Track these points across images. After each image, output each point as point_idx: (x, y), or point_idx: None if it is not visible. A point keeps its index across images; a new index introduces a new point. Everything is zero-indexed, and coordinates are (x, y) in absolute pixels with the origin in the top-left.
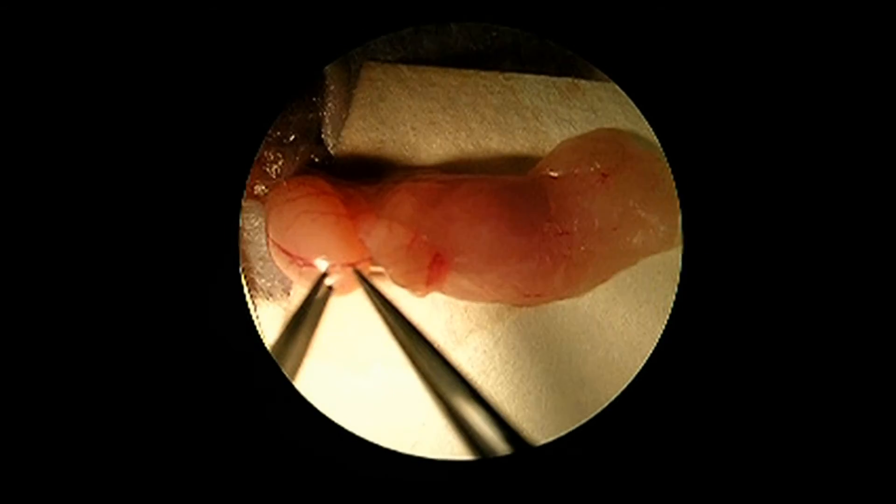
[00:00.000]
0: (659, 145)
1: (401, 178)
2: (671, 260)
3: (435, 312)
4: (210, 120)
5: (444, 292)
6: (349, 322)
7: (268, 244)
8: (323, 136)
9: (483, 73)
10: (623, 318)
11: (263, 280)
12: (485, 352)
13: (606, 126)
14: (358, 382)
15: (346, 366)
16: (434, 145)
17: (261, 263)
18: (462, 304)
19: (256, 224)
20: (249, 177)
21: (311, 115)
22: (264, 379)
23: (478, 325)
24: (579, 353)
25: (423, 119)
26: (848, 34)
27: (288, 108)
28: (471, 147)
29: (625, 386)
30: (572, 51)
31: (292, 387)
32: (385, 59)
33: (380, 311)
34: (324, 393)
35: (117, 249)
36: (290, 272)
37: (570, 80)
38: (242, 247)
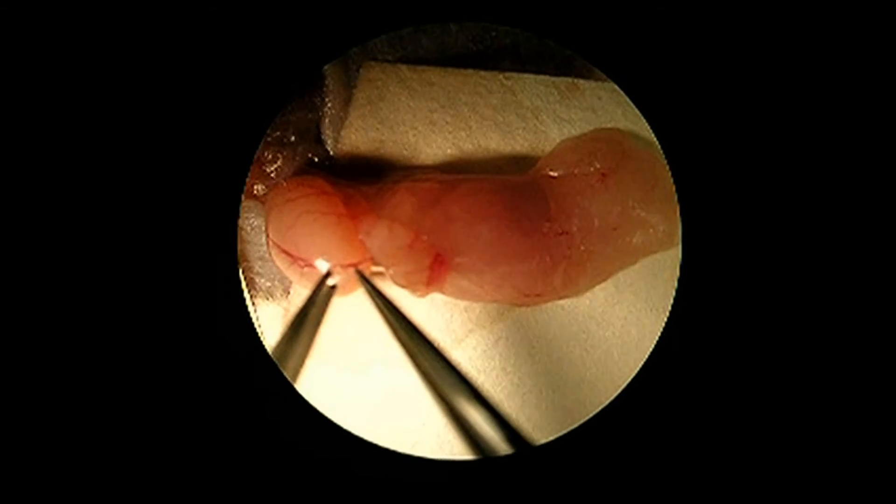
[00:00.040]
0: (658, 145)
1: (400, 178)
2: (671, 259)
3: (434, 312)
4: (209, 119)
5: (444, 292)
6: (349, 322)
7: (268, 244)
8: (322, 135)
9: (482, 73)
10: (622, 318)
11: (263, 280)
12: (484, 351)
13: (606, 126)
14: (358, 382)
15: (346, 366)
16: (434, 145)
17: (260, 263)
18: (462, 303)
19: (256, 224)
20: (249, 177)
21: (310, 115)
22: (264, 379)
23: (477, 324)
24: (579, 352)
25: (423, 119)
26: (848, 34)
27: (287, 107)
28: (470, 147)
29: (624, 385)
30: (572, 51)
31: (292, 387)
32: (384, 59)
33: (381, 311)
34: (324, 393)
35: (117, 249)
36: (290, 273)
37: (569, 79)
38: (242, 247)
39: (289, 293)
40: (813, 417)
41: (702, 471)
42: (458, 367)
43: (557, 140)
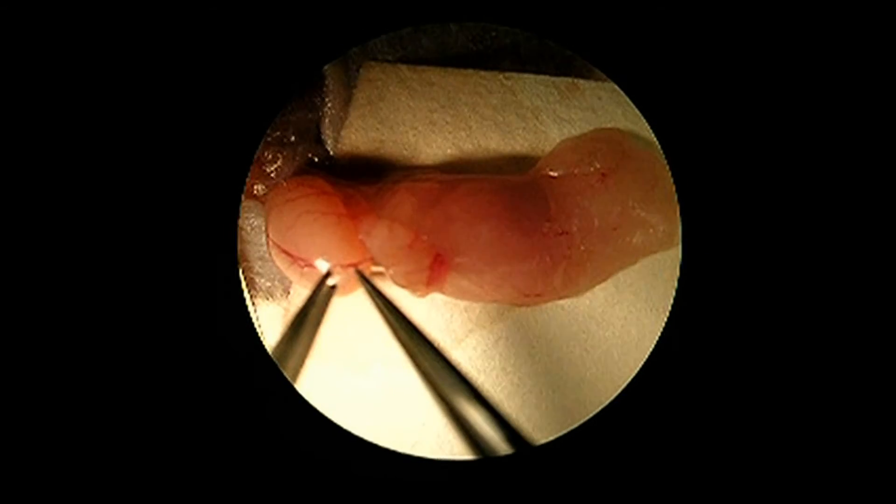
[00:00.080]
0: (658, 145)
1: (400, 179)
2: (670, 259)
3: (434, 312)
4: (209, 119)
5: (444, 293)
6: (349, 322)
7: (268, 244)
8: (322, 135)
9: (482, 73)
10: (622, 318)
11: (263, 280)
12: (484, 351)
13: (606, 126)
14: (358, 383)
15: (346, 366)
16: (433, 145)
17: (260, 263)
18: (461, 303)
19: (256, 224)
20: (248, 176)
21: (310, 115)
22: (264, 379)
23: (477, 324)
24: (579, 352)
25: (423, 119)
26: (847, 34)
27: (287, 107)
28: (470, 147)
29: (624, 385)
30: (571, 51)
31: (292, 387)
32: (384, 59)
33: (381, 311)
34: (324, 393)
35: (117, 249)
36: (290, 273)
37: (569, 79)
38: (242, 246)
39: (289, 293)
40: (813, 417)
41: (701, 470)
42: (459, 367)
43: (557, 140)
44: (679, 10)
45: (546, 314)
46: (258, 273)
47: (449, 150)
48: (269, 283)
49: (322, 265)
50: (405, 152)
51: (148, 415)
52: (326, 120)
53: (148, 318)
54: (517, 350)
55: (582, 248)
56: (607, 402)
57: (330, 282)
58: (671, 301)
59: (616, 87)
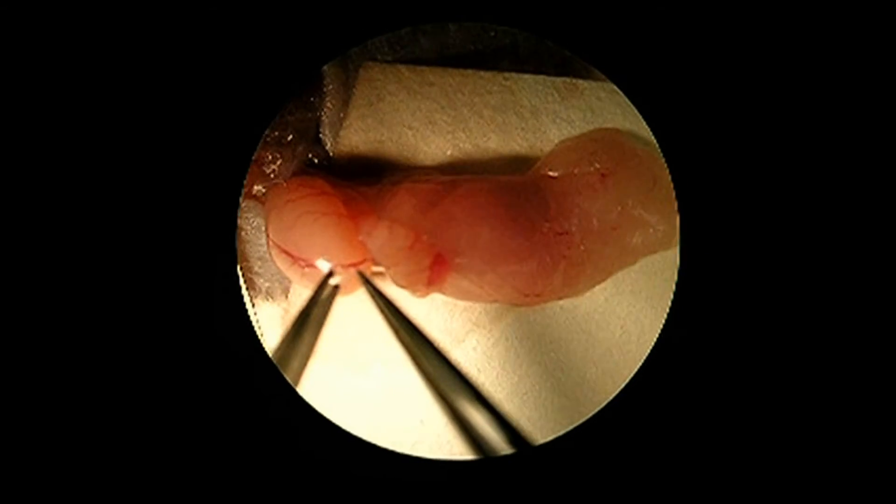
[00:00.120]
0: (657, 145)
1: (400, 179)
2: (669, 259)
3: (434, 312)
4: (208, 119)
5: (444, 293)
6: (348, 323)
7: (268, 245)
8: (321, 136)
9: (481, 73)
10: (621, 318)
11: (262, 280)
12: (483, 351)
13: (605, 126)
14: (358, 383)
15: (346, 366)
16: (433, 145)
17: (259, 263)
18: (461, 303)
19: (255, 224)
20: (247, 177)
21: (309, 116)
22: (263, 380)
23: (476, 324)
24: (578, 352)
25: (422, 119)
26: (846, 33)
27: (286, 107)
28: (469, 147)
29: (623, 385)
30: (570, 51)
31: (292, 387)
32: (383, 59)
33: (383, 311)
34: (324, 393)
35: (116, 250)
36: (291, 273)
37: (568, 79)
38: (241, 247)
39: (288, 293)
40: (812, 415)
41: (701, 470)
42: (460, 368)
43: (556, 140)
44: (677, 11)
45: (545, 314)
46: (258, 273)
47: (448, 151)
48: (268, 284)
49: (323, 265)
50: (404, 153)
51: (147, 416)
52: (325, 120)
53: (147, 319)
54: (517, 350)
55: (581, 248)
56: (607, 402)
57: (332, 281)
58: (670, 300)
59: (615, 87)
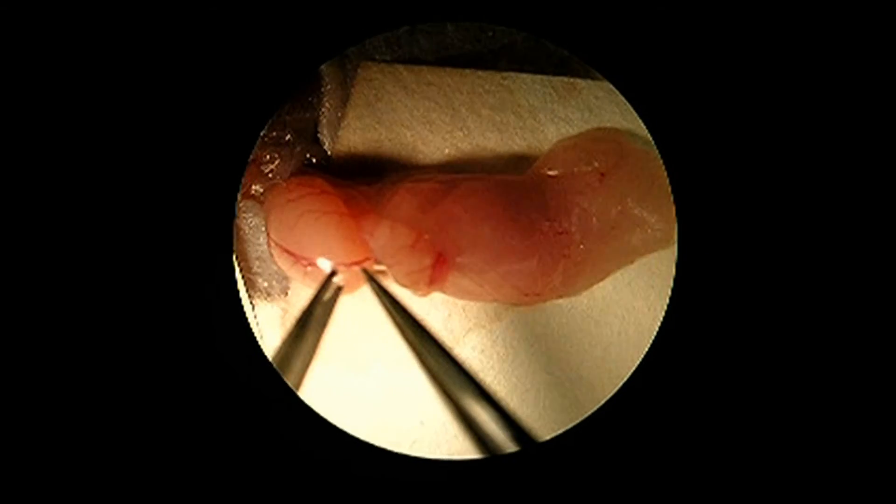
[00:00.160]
0: (654, 144)
1: (399, 179)
2: (667, 258)
3: (433, 311)
4: (206, 119)
5: (445, 292)
6: (348, 323)
7: (269, 245)
8: (319, 136)
9: (480, 73)
10: (620, 317)
11: (261, 280)
12: (483, 350)
13: (603, 125)
14: (358, 383)
15: (347, 366)
16: (431, 145)
17: (258, 263)
18: (460, 303)
19: (254, 224)
20: (245, 176)
21: (307, 115)
22: (263, 380)
23: (476, 323)
24: (577, 350)
25: (421, 119)
26: (844, 33)
27: (284, 107)
28: (468, 146)
29: (622, 383)
30: (568, 51)
31: (291, 388)
32: (381, 59)
33: (388, 310)
34: (323, 393)
35: (114, 250)
36: (293, 273)
37: (566, 79)
38: (240, 246)
39: (287, 293)
40: (811, 414)
41: (700, 469)
42: (465, 366)
43: (555, 139)
44: (675, 11)
45: (544, 313)
46: (256, 273)
47: (447, 150)
48: (267, 283)
49: (325, 264)
50: (403, 152)
51: (146, 416)
52: (323, 120)
53: (146, 319)
54: (516, 349)
55: (581, 247)
56: (605, 401)
57: (336, 280)
58: (668, 299)
59: (612, 86)
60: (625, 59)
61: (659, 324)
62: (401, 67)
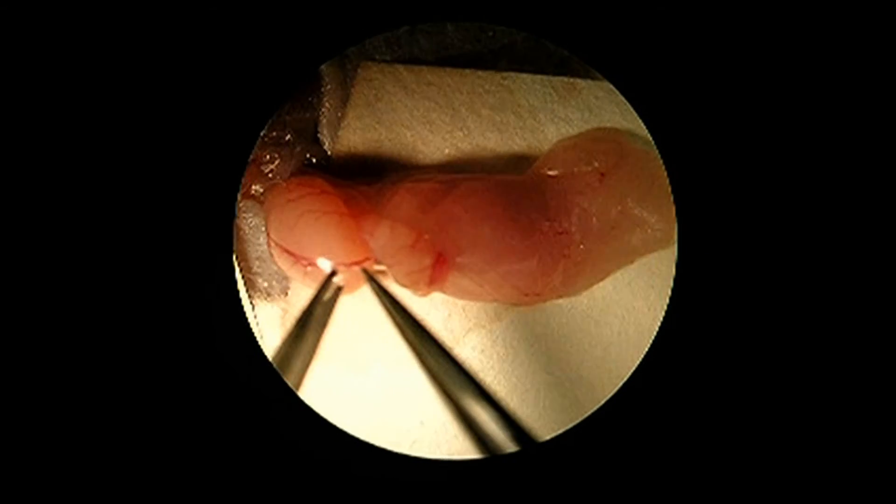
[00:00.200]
0: (654, 144)
1: (399, 179)
2: (668, 258)
3: (433, 311)
4: (205, 119)
5: (445, 292)
6: (348, 323)
7: (269, 245)
8: (319, 136)
9: (480, 73)
10: (620, 317)
11: (261, 280)
12: (483, 350)
13: (603, 125)
14: (358, 383)
15: (347, 366)
16: (431, 145)
17: (258, 263)
18: (460, 302)
19: (253, 224)
20: (245, 176)
21: (307, 115)
22: (263, 380)
23: (476, 323)
24: (577, 350)
25: (420, 119)
26: (844, 33)
27: (284, 107)
28: (468, 146)
29: (622, 383)
30: (568, 50)
31: (291, 388)
32: (381, 59)
33: (388, 310)
34: (323, 394)
35: (114, 250)
36: (293, 273)
37: (566, 79)
38: (240, 246)
39: (287, 293)
40: (810, 414)
41: (701, 469)
42: (465, 366)
43: (555, 139)
44: (675, 11)
45: (544, 313)
46: (256, 273)
47: (447, 150)
48: (267, 283)
49: (325, 264)
50: (403, 152)
51: (146, 416)
52: (323, 120)
53: (146, 320)
54: (516, 349)
55: (581, 247)
56: (605, 401)
57: (336, 280)
58: (668, 299)
59: (612, 86)
60: (625, 59)
61: (659, 324)
62: (401, 67)
